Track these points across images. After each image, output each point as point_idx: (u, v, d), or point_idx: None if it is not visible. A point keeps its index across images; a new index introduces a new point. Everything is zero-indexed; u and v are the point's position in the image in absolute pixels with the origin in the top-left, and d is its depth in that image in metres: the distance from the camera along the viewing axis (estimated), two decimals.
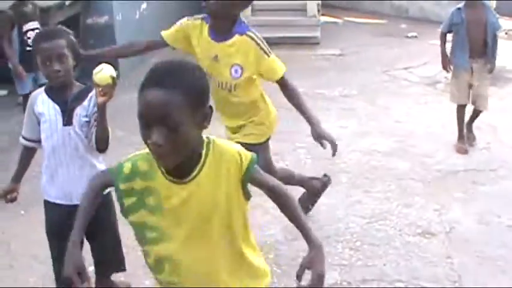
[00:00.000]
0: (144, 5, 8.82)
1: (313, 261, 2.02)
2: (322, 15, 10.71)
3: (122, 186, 1.94)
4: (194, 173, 1.89)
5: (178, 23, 3.45)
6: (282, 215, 2.15)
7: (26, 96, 4.74)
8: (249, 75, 3.20)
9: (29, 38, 5.46)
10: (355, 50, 9.00)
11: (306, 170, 4.70)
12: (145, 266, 2.10)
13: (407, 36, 9.97)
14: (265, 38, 3.29)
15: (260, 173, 2.01)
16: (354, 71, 7.90)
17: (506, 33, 10.19)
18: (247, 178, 1.95)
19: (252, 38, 3.19)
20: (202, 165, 1.90)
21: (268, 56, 3.20)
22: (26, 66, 5.62)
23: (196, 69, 1.89)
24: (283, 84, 3.31)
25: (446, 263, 3.73)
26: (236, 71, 3.20)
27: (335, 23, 11.06)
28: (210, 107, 1.89)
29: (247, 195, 1.99)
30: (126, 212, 1.97)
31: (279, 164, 4.84)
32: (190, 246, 1.95)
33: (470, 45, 5.21)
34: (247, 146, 2.23)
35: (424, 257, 3.78)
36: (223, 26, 3.23)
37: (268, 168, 3.47)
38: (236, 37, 3.20)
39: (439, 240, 3.97)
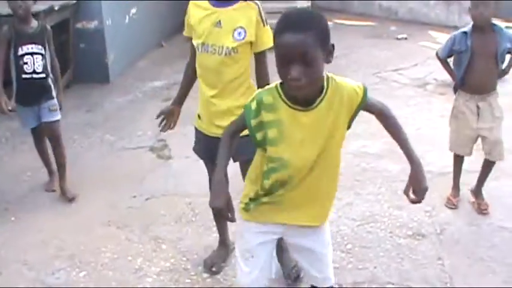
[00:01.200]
0: (133, 10, 8.81)
1: (415, 178, 2.40)
2: None
3: (253, 123, 2.32)
4: (316, 103, 2.28)
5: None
6: None
7: (34, 131, 4.84)
8: (249, 39, 3.18)
9: (25, 63, 4.41)
10: (345, 52, 9.01)
11: None
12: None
13: (397, 38, 10.00)
14: None
15: (371, 100, 2.42)
16: (343, 73, 7.70)
17: None
18: (362, 105, 2.38)
19: (256, 4, 3.20)
20: (324, 96, 2.29)
21: (264, 26, 3.20)
22: (23, 98, 4.50)
23: (320, 16, 2.24)
24: (262, 59, 3.27)
25: (437, 264, 3.74)
26: (239, 34, 3.19)
27: None
28: (333, 45, 2.27)
29: (350, 124, 2.41)
30: (260, 144, 2.37)
31: None
32: (305, 168, 2.34)
33: (476, 79, 4.21)
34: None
35: (415, 259, 3.79)
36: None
37: None
38: (240, 2, 3.19)
39: (430, 241, 3.98)
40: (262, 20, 3.18)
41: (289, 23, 2.16)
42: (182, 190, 4.78)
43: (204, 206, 4.45)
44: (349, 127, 2.43)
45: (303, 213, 2.48)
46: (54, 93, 4.61)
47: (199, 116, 3.48)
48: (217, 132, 3.15)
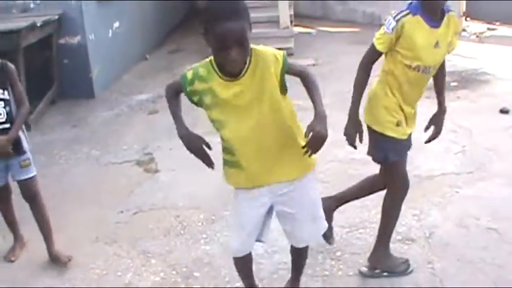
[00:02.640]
0: (116, 24, 8.81)
1: (314, 125, 2.58)
2: (295, 26, 10.78)
3: (188, 89, 2.68)
4: (243, 72, 2.59)
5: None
6: None
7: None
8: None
9: None
10: (329, 59, 9.05)
11: None
12: None
13: None
14: None
15: (292, 63, 2.72)
16: (328, 81, 7.92)
17: (477, 36, 10.32)
18: (284, 70, 2.66)
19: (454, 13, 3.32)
20: (249, 66, 2.59)
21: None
22: None
23: (242, 2, 2.52)
24: None
25: (428, 268, 3.73)
26: (450, 44, 3.31)
27: (308, 34, 11.12)
28: (250, 24, 2.54)
29: (283, 88, 2.70)
30: (198, 105, 2.72)
31: None
32: (246, 125, 2.66)
33: None
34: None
35: None
36: (437, 9, 3.21)
37: None
38: (445, 16, 3.25)
39: (419, 245, 3.98)
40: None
41: (224, 11, 2.42)
42: (170, 203, 4.76)
43: (193, 219, 4.47)
44: (285, 90, 2.73)
45: (276, 172, 2.82)
46: (25, 144, 3.86)
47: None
48: None
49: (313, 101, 2.71)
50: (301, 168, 2.88)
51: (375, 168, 4.66)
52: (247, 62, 2.60)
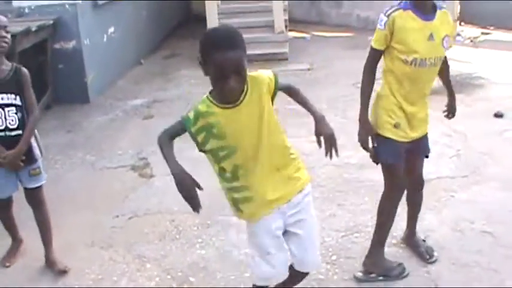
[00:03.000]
0: (111, 29, 8.81)
1: (320, 128, 2.80)
2: (290, 30, 10.80)
3: (193, 129, 2.68)
4: (241, 98, 2.64)
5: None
6: None
7: (4, 203, 3.98)
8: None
9: None
10: (324, 64, 9.07)
11: None
12: None
13: None
14: None
15: (282, 83, 2.84)
16: (323, 85, 7.94)
17: (471, 41, 10.36)
18: (277, 90, 2.78)
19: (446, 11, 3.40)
20: (246, 92, 2.65)
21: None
22: None
23: (237, 31, 2.59)
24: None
25: (423, 271, 3.74)
26: (446, 42, 3.35)
27: (303, 38, 11.14)
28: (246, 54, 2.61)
29: (272, 102, 2.79)
30: (201, 146, 2.72)
31: None
32: (251, 149, 2.70)
33: None
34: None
35: None
36: (428, 4, 3.30)
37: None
38: (438, 11, 3.34)
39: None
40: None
41: (223, 41, 2.50)
42: (165, 208, 4.75)
43: (188, 223, 4.47)
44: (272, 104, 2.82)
45: (279, 192, 2.81)
46: (36, 152, 3.82)
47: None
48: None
49: (307, 107, 2.90)
50: (300, 182, 2.89)
51: (369, 172, 4.70)
52: (245, 88, 2.65)
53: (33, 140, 3.79)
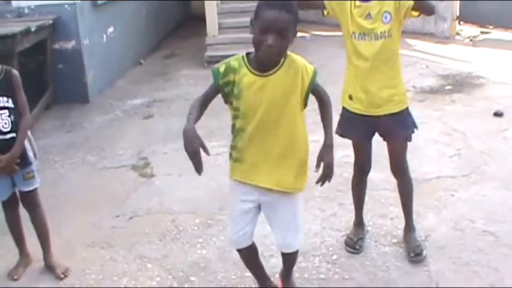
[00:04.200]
0: (111, 29, 8.81)
1: (322, 155, 2.92)
2: None
3: (221, 82, 2.83)
4: (273, 71, 2.78)
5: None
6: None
7: (5, 202, 3.92)
8: (396, 18, 3.49)
9: None
10: (324, 63, 9.04)
11: None
12: None
13: None
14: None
15: (319, 85, 2.94)
16: (323, 84, 7.82)
17: (470, 40, 10.36)
18: (311, 86, 2.87)
19: None
20: (280, 67, 2.79)
21: None
22: None
23: (296, 5, 2.72)
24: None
25: (424, 271, 3.74)
26: (385, 17, 3.49)
27: (303, 38, 11.13)
28: (296, 31, 2.77)
29: (304, 103, 2.91)
30: (226, 97, 2.87)
31: None
32: (262, 124, 2.83)
33: None
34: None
35: (400, 266, 3.79)
36: None
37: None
38: None
39: None
40: None
41: (277, 3, 2.64)
42: (166, 208, 4.75)
43: (189, 223, 4.47)
44: (305, 105, 2.94)
45: (267, 176, 2.94)
46: (30, 155, 3.79)
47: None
48: None
49: (325, 129, 2.99)
50: (291, 185, 3.01)
51: (370, 172, 4.67)
52: (280, 62, 2.80)
53: (26, 143, 3.76)
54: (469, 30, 10.90)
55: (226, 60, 2.88)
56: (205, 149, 2.66)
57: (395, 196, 4.36)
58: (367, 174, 4.04)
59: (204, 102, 2.85)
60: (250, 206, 3.07)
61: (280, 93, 2.80)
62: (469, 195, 4.66)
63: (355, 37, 3.56)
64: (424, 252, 3.87)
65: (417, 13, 3.44)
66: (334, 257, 3.94)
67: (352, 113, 3.72)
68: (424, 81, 7.88)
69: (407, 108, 3.73)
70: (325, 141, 2.96)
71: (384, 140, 3.81)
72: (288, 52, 2.84)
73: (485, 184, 4.83)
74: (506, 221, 4.25)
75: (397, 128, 3.71)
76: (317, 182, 2.95)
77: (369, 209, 4.43)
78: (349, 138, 3.86)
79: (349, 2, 3.57)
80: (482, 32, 10.73)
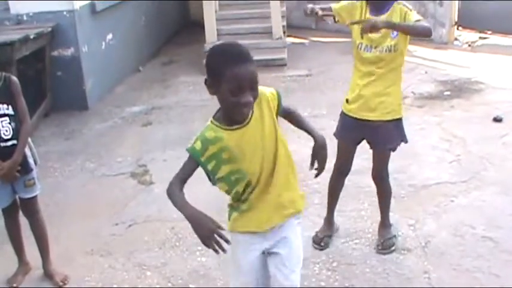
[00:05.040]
0: (109, 36, 8.80)
1: (317, 151, 2.74)
2: (288, 36, 10.79)
3: (202, 159, 2.55)
4: (248, 118, 2.55)
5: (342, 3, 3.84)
6: None
7: (5, 209, 3.90)
8: (402, 35, 3.61)
9: None
10: (323, 69, 9.06)
11: None
12: None
13: None
14: None
15: (284, 104, 2.71)
16: (322, 91, 7.94)
17: (469, 46, 10.36)
18: (280, 109, 2.68)
19: (403, 4, 3.65)
20: (253, 110, 2.55)
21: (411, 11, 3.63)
22: None
23: (244, 46, 2.52)
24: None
25: (424, 278, 3.73)
26: (393, 32, 3.60)
27: (301, 44, 11.14)
28: None
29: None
30: (213, 173, 2.60)
31: None
32: (261, 168, 2.60)
33: None
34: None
35: (401, 273, 3.78)
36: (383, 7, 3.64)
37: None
38: (392, 7, 3.64)
39: (415, 255, 3.98)
40: (410, 9, 3.63)
41: (236, 56, 2.43)
42: (165, 215, 4.73)
43: (188, 231, 4.44)
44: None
45: (272, 212, 2.71)
46: (31, 162, 3.79)
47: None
48: None
49: (308, 129, 2.81)
50: (294, 208, 2.78)
51: (368, 178, 4.67)
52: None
53: (27, 150, 3.76)
54: (468, 35, 10.90)
55: (199, 134, 2.59)
56: (219, 227, 2.39)
57: (394, 202, 4.37)
58: (345, 176, 4.16)
59: (183, 186, 2.59)
60: (255, 254, 2.79)
61: (265, 132, 2.59)
62: (468, 201, 4.66)
63: (361, 47, 3.69)
64: (393, 248, 4.02)
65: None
66: (334, 264, 3.93)
67: (347, 116, 3.86)
68: (423, 87, 7.87)
69: (399, 120, 3.84)
70: (315, 136, 2.76)
71: (370, 147, 3.98)
72: None
73: (485, 190, 4.83)
74: (506, 226, 4.25)
75: (384, 137, 3.85)
76: (316, 177, 2.79)
77: (369, 216, 4.42)
78: (337, 137, 4.00)
79: (358, 12, 3.69)
80: (480, 38, 10.73)
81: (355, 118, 3.82)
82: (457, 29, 11.00)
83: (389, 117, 3.78)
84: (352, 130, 3.88)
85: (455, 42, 10.63)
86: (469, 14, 10.78)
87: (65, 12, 7.50)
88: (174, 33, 12.99)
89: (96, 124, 7.30)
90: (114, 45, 8.94)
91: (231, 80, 2.38)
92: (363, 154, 5.20)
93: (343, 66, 9.34)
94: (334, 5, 3.80)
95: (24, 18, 7.52)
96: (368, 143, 3.95)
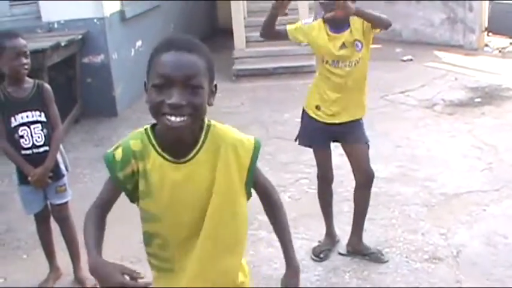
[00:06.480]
0: (139, 42, 8.87)
1: (287, 281, 2.10)
2: None
3: (120, 176, 1.90)
4: (192, 154, 1.87)
5: (297, 24, 3.90)
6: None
7: (37, 215, 3.91)
8: (365, 43, 3.70)
9: (21, 136, 3.61)
10: None
11: (309, 200, 4.68)
12: None
13: (403, 60, 10.01)
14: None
15: (260, 171, 2.02)
16: None
17: (499, 51, 10.25)
18: (254, 167, 1.95)
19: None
20: (201, 147, 1.88)
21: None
22: (24, 178, 3.69)
23: (199, 41, 1.90)
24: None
25: (456, 287, 3.68)
26: (357, 46, 3.67)
27: None
28: (215, 85, 1.90)
29: (248, 192, 1.98)
30: (130, 196, 1.98)
31: (281, 195, 4.81)
32: (181, 230, 1.92)
33: None
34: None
35: (433, 282, 3.73)
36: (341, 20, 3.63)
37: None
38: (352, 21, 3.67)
39: (447, 264, 3.93)
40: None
41: (175, 43, 1.81)
42: None
43: None
44: (249, 195, 2.00)
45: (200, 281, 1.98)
46: (62, 168, 3.82)
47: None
48: None
49: (284, 246, 2.10)
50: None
51: (399, 186, 4.65)
52: (200, 140, 1.89)
53: (58, 156, 3.79)
54: (498, 41, 10.78)
55: (123, 140, 1.94)
56: (133, 274, 1.81)
57: (425, 211, 4.32)
58: (330, 184, 4.12)
59: (103, 214, 2.07)
60: None
61: (206, 188, 1.88)
62: (501, 209, 4.59)
63: (327, 63, 3.73)
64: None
65: (378, 29, 3.69)
66: (365, 273, 3.89)
67: (315, 120, 3.86)
68: (454, 94, 7.80)
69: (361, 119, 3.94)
70: (288, 262, 2.10)
71: (345, 149, 3.98)
72: (212, 122, 1.96)
73: None
74: None
75: (358, 133, 3.91)
76: None
77: (399, 224, 4.38)
78: (313, 146, 3.98)
79: (316, 32, 3.72)
80: (511, 43, 10.61)
81: (324, 122, 3.84)
82: (487, 34, 10.89)
83: (357, 117, 3.88)
84: (322, 133, 3.88)
85: (486, 48, 10.52)
86: (500, 19, 10.66)
87: (95, 20, 7.58)
88: (203, 40, 12.92)
89: (125, 130, 7.34)
90: (143, 52, 8.99)
91: (157, 68, 1.77)
92: (394, 162, 5.17)
93: (371, 73, 9.23)
94: (288, 27, 3.85)
95: (56, 25, 7.60)
96: (339, 141, 3.98)
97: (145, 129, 1.91)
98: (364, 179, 3.97)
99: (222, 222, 1.92)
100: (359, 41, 3.67)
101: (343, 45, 3.66)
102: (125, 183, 1.91)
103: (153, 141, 1.88)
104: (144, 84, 1.88)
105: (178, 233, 1.94)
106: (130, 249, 4.43)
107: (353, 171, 4.00)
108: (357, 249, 4.07)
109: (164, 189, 1.88)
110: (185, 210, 1.90)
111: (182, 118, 1.75)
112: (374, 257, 4.02)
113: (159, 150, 1.87)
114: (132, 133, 1.94)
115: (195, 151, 1.87)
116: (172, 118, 1.75)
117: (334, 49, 3.66)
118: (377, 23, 3.63)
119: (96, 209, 2.03)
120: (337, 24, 3.68)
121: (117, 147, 1.92)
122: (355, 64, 3.70)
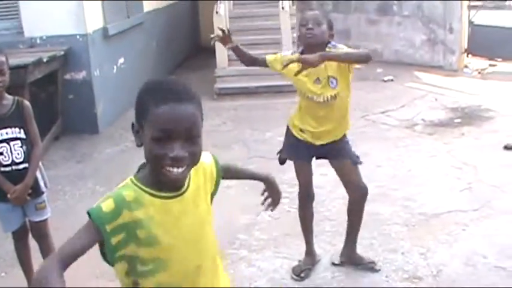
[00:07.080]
0: (121, 60, 8.87)
1: (271, 187, 2.40)
2: None
3: (108, 227, 1.78)
4: (186, 185, 1.89)
5: (277, 55, 3.93)
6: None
7: (15, 232, 3.90)
8: (342, 80, 3.71)
9: (0, 153, 3.59)
10: None
11: (290, 219, 4.67)
12: None
13: (384, 80, 10.10)
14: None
15: (221, 164, 2.14)
16: None
17: (479, 73, 10.37)
18: (220, 176, 2.10)
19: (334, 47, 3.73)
20: (190, 177, 1.91)
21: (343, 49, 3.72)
22: (3, 195, 3.64)
23: (188, 84, 1.89)
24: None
25: None
26: (332, 82, 3.69)
27: None
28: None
29: (211, 200, 2.07)
30: (115, 250, 1.83)
31: (262, 214, 4.82)
32: (189, 264, 1.91)
33: None
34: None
35: None
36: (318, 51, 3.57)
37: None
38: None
39: (426, 284, 3.93)
40: None
41: (172, 93, 1.78)
42: None
43: None
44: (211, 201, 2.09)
45: None
46: (42, 185, 3.81)
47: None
48: None
49: (250, 174, 2.49)
50: None
51: (377, 206, 4.67)
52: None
53: (38, 173, 3.77)
54: (478, 62, 10.92)
55: (113, 192, 1.85)
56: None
57: (405, 230, 4.34)
58: (311, 202, 4.13)
59: (66, 264, 1.87)
60: None
61: (202, 213, 1.96)
62: (480, 229, 4.62)
63: (305, 96, 3.78)
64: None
65: (356, 65, 3.70)
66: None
67: (299, 140, 3.91)
68: (434, 114, 7.87)
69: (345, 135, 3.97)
70: (261, 177, 2.43)
71: (333, 165, 4.02)
72: None
73: (496, 218, 4.79)
74: None
75: (343, 149, 3.93)
76: (266, 210, 2.51)
77: (380, 244, 4.39)
78: (295, 160, 4.00)
79: (294, 63, 3.69)
80: (490, 65, 10.75)
81: (307, 142, 3.89)
82: (467, 56, 11.03)
83: (341, 135, 3.92)
84: (307, 148, 3.91)
85: (465, 70, 10.65)
86: (479, 41, 10.81)
87: (77, 36, 7.57)
88: (185, 58, 13.08)
89: (107, 148, 7.32)
90: (125, 69, 9.00)
91: (156, 121, 1.74)
92: (373, 182, 5.18)
93: (353, 93, 9.34)
94: (268, 57, 3.92)
95: (38, 41, 7.59)
96: (330, 161, 4.01)
97: (131, 180, 1.88)
98: (356, 195, 4.00)
99: (210, 241, 2.01)
100: (333, 77, 3.69)
101: (318, 80, 3.70)
102: (110, 237, 1.80)
103: (144, 187, 1.85)
104: (132, 125, 1.85)
105: (186, 269, 1.92)
106: (109, 266, 4.39)
107: (344, 187, 4.05)
108: (351, 259, 4.12)
109: (172, 225, 1.86)
110: (193, 241, 1.91)
111: (182, 169, 1.78)
112: (367, 267, 4.07)
113: (155, 192, 1.84)
114: (121, 186, 1.88)
115: (187, 182, 1.90)
116: (174, 170, 1.77)
117: (308, 83, 3.71)
118: (352, 62, 3.66)
119: (58, 259, 1.83)
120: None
121: (105, 200, 1.83)
122: (331, 99, 3.72)
